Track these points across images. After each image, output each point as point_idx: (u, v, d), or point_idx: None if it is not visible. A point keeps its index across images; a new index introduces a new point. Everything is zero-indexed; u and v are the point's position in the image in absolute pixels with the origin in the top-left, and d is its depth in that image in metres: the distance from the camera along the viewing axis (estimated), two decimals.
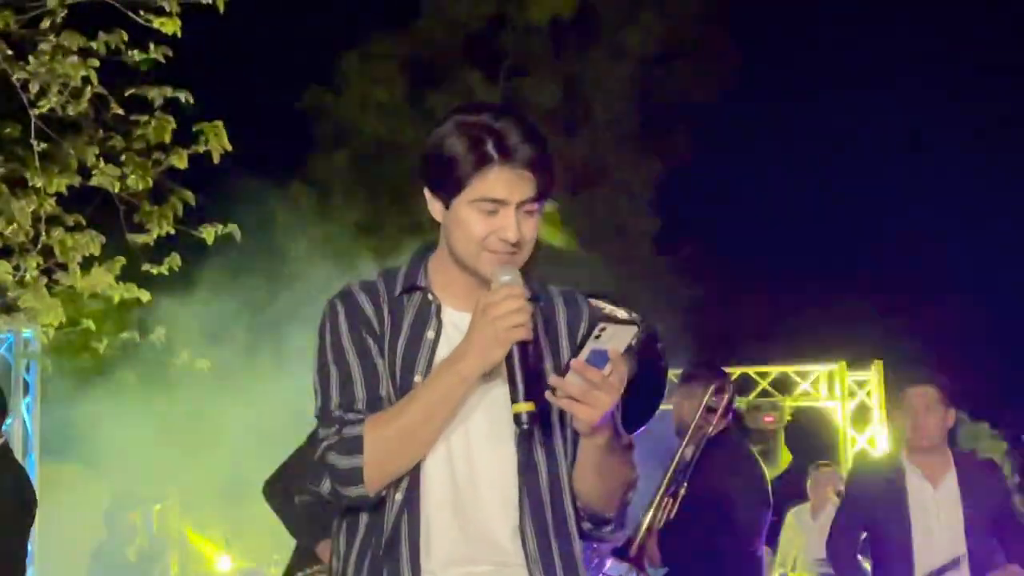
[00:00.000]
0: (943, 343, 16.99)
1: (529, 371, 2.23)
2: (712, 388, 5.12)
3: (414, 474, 2.30)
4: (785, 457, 11.54)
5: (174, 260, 7.68)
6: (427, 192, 2.39)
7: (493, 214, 2.29)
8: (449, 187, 2.32)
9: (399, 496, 2.30)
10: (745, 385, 11.82)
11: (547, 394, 2.19)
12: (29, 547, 9.16)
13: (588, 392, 2.17)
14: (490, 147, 2.27)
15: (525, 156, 2.28)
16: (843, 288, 19.82)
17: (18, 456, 9.18)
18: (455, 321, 2.35)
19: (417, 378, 2.32)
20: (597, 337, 2.19)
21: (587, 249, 17.37)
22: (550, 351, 2.41)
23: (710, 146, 19.17)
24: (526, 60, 18.72)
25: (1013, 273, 19.16)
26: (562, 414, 2.33)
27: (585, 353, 2.18)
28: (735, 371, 11.95)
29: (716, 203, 19.61)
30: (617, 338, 2.19)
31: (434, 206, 2.38)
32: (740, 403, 11.63)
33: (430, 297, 2.39)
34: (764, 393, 11.73)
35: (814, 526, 9.17)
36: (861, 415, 11.75)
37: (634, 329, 2.21)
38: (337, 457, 2.26)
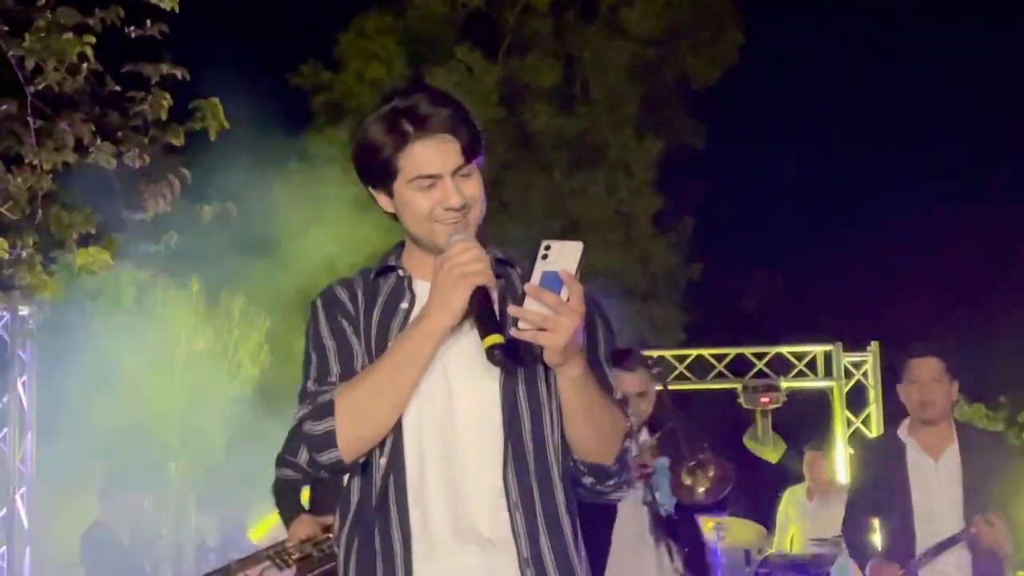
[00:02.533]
0: (939, 324, 17.02)
1: (493, 311, 2.24)
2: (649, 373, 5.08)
3: (397, 437, 2.32)
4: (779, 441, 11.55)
5: (171, 238, 7.65)
6: (370, 190, 2.45)
7: (432, 188, 2.33)
8: (382, 175, 2.38)
9: (383, 460, 2.33)
10: (742, 366, 11.83)
11: (512, 330, 2.18)
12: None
13: (548, 318, 2.17)
14: (405, 124, 2.33)
15: (441, 121, 2.33)
16: (840, 269, 19.84)
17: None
18: (429, 291, 2.36)
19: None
20: (544, 257, 2.19)
21: (586, 229, 17.37)
22: None
23: (710, 126, 19.15)
24: (526, 38, 18.67)
25: (1009, 256, 19.17)
26: (546, 366, 2.31)
27: (537, 276, 2.18)
28: (731, 352, 11.98)
29: (716, 184, 19.59)
30: (565, 256, 2.18)
31: (380, 200, 2.44)
32: (736, 384, 11.65)
33: (401, 273, 2.44)
34: (760, 374, 11.73)
35: (810, 507, 9.17)
36: (857, 396, 11.78)
37: (580, 245, 2.20)
38: (312, 424, 2.30)
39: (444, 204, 2.32)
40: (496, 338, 2.18)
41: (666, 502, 4.60)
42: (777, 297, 18.95)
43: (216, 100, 7.03)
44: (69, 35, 6.56)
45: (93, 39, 6.65)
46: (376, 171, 2.38)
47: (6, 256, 6.85)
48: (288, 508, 5.17)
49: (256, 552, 4.95)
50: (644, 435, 4.78)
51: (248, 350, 12.68)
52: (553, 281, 2.17)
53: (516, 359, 2.27)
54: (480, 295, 2.24)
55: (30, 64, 6.65)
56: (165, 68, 6.81)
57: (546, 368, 2.32)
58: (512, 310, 2.19)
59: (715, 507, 5.06)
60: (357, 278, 2.48)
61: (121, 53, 6.91)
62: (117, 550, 8.82)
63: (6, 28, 6.63)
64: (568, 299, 2.17)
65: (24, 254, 7.01)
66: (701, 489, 4.65)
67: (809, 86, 20.32)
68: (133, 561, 9.06)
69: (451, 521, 2.31)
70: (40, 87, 6.76)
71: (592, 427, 2.35)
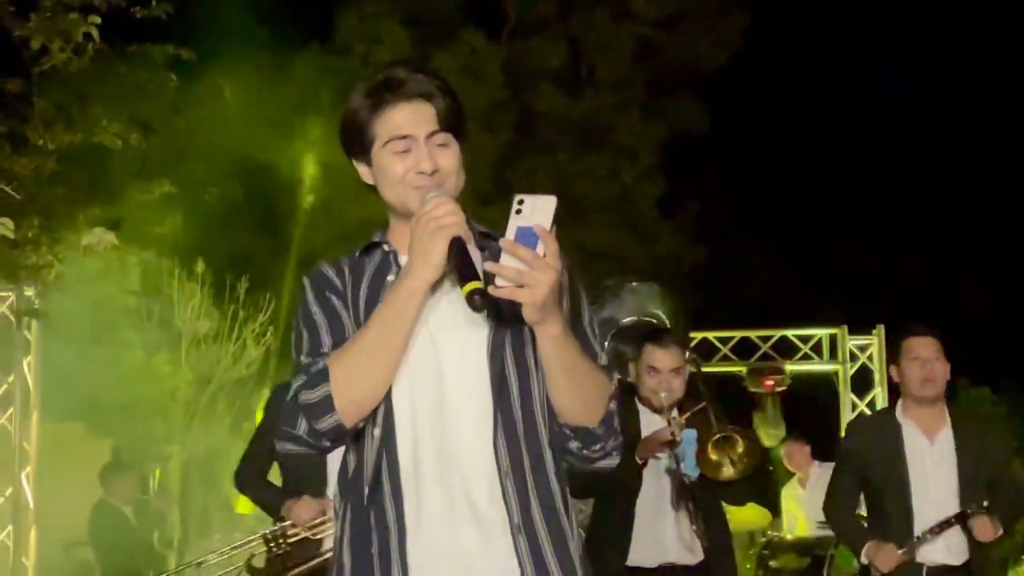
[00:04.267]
0: (945, 309, 17.01)
1: (471, 259, 2.24)
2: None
3: (388, 409, 2.34)
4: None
5: (176, 220, 7.67)
6: (353, 162, 2.50)
7: (406, 153, 2.38)
8: (361, 141, 2.44)
9: (377, 431, 2.35)
10: (746, 349, 11.81)
11: (489, 288, 2.18)
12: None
13: (524, 273, 2.17)
14: (383, 89, 2.40)
15: (417, 87, 2.39)
16: (845, 252, 19.83)
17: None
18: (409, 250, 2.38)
19: None
20: (518, 212, 2.19)
21: (590, 212, 17.37)
22: None
23: (716, 110, 19.10)
24: (530, 21, 18.63)
25: (1014, 240, 19.16)
26: (532, 331, 2.32)
27: (511, 231, 2.18)
28: (736, 335, 11.97)
29: (720, 167, 19.57)
30: (539, 211, 2.19)
31: (361, 171, 2.48)
32: (740, 367, 11.64)
33: (386, 248, 2.48)
34: (765, 357, 11.72)
35: (805, 496, 9.18)
36: (862, 380, 11.76)
37: (554, 200, 2.20)
38: (307, 393, 2.32)
39: (416, 168, 2.36)
40: (475, 284, 2.16)
41: (690, 472, 4.63)
42: (782, 280, 18.91)
43: (222, 83, 7.03)
44: (74, 15, 6.56)
45: (98, 19, 6.65)
46: (355, 139, 2.44)
47: (12, 236, 6.86)
48: (270, 494, 5.14)
49: (256, 536, 4.97)
50: (675, 414, 4.81)
51: (253, 331, 12.70)
52: (528, 236, 2.17)
53: (496, 304, 2.27)
54: (457, 246, 2.24)
55: (36, 44, 6.65)
56: (171, 49, 6.81)
57: (531, 331, 2.32)
58: (488, 266, 2.20)
59: (733, 496, 5.09)
60: (344, 258, 2.51)
61: (127, 33, 6.91)
62: (124, 529, 8.87)
63: (12, 8, 6.63)
64: (544, 254, 2.17)
65: (30, 234, 7.03)
66: (727, 465, 4.68)
67: (814, 70, 20.26)
68: (142, 539, 9.11)
69: (444, 491, 2.33)
70: (46, 67, 6.77)
71: (575, 388, 2.35)
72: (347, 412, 2.30)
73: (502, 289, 2.19)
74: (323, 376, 2.31)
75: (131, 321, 11.18)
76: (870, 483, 5.15)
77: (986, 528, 4.88)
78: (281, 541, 4.88)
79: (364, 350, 2.30)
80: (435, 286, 2.31)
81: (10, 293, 8.79)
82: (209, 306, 12.43)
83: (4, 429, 9.23)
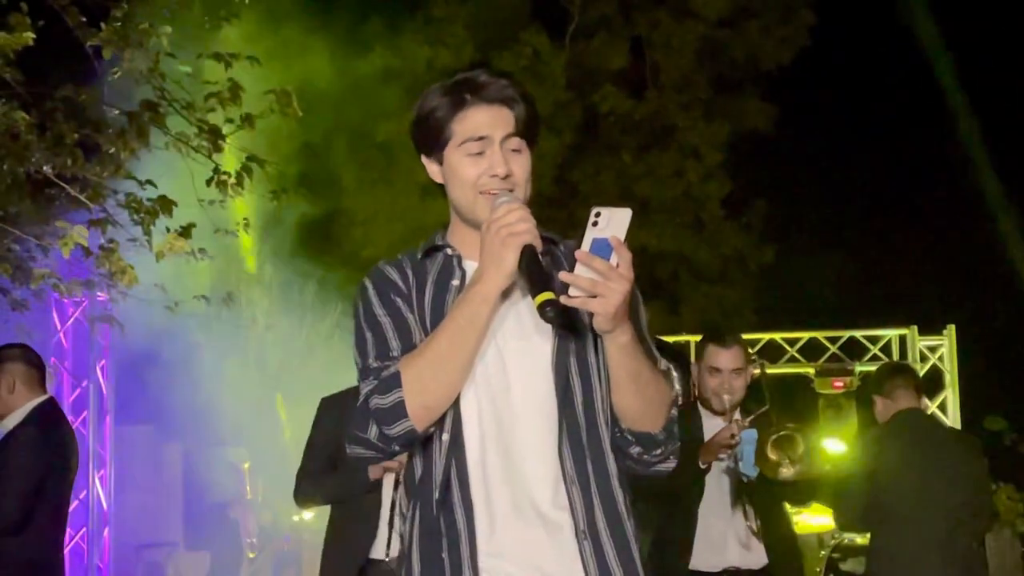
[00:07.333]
0: (1016, 308, 16.76)
1: (542, 269, 2.25)
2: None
3: (456, 415, 2.35)
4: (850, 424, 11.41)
5: (247, 224, 7.74)
6: (423, 159, 2.50)
7: (480, 155, 2.39)
8: (435, 139, 2.44)
9: (445, 437, 2.36)
10: (814, 350, 11.71)
11: (562, 297, 2.20)
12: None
13: (598, 284, 2.19)
14: (463, 90, 2.41)
15: (497, 91, 2.40)
16: (915, 252, 19.59)
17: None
18: (479, 257, 2.38)
19: None
20: (595, 224, 2.20)
21: (655, 212, 17.30)
22: None
23: (781, 108, 18.94)
24: (593, 21, 18.59)
25: None
26: (595, 339, 2.35)
27: (587, 243, 2.20)
28: (804, 336, 11.88)
29: (787, 166, 19.39)
30: (615, 223, 2.20)
31: (432, 169, 2.49)
32: (808, 369, 11.54)
33: (449, 252, 2.48)
34: (833, 358, 11.62)
35: None
36: (933, 381, 11.61)
37: (629, 212, 2.21)
38: (379, 398, 2.32)
39: (490, 171, 2.37)
40: (547, 295, 2.18)
41: (748, 471, 4.59)
42: (850, 280, 18.72)
43: (288, 89, 7.09)
44: (145, 25, 6.64)
45: (169, 29, 6.72)
46: (430, 135, 2.44)
47: (85, 244, 6.95)
48: (348, 485, 5.14)
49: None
50: (737, 415, 4.77)
51: (320, 334, 12.81)
52: (603, 247, 2.19)
53: (567, 315, 2.28)
54: (529, 254, 2.25)
55: (107, 54, 6.74)
56: (242, 57, 6.87)
57: (594, 339, 2.35)
58: (563, 276, 2.21)
59: (795, 496, 5.04)
60: (404, 259, 2.51)
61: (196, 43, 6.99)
62: (213, 522, 9.02)
63: (83, 19, 6.72)
64: (618, 265, 2.20)
65: (103, 241, 7.12)
66: (786, 465, 4.63)
67: (880, 68, 20.04)
68: (235, 536, 9.26)
69: (511, 496, 2.34)
70: (117, 76, 6.85)
71: (640, 394, 2.37)
72: (419, 417, 2.31)
73: (575, 299, 2.20)
74: (395, 381, 2.30)
75: (201, 325, 11.30)
76: None
77: None
78: None
79: (436, 355, 2.30)
80: (504, 293, 2.32)
81: (84, 299, 8.94)
82: (276, 310, 12.56)
83: (78, 432, 9.39)
